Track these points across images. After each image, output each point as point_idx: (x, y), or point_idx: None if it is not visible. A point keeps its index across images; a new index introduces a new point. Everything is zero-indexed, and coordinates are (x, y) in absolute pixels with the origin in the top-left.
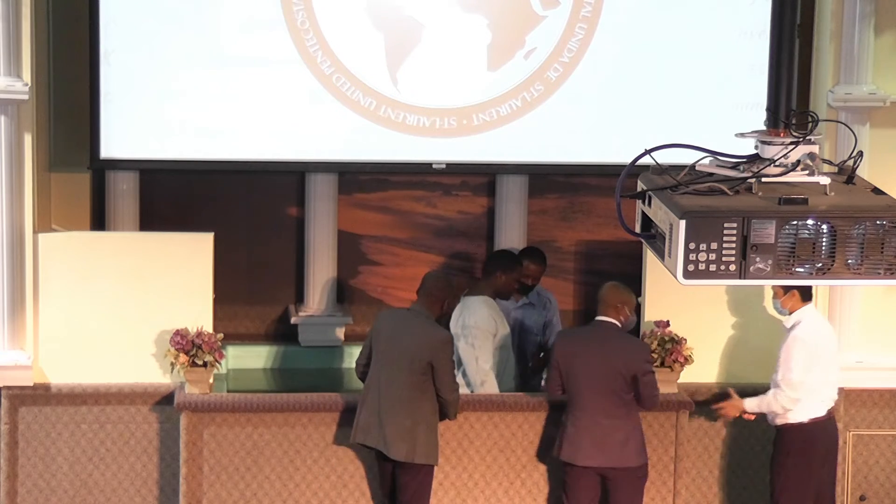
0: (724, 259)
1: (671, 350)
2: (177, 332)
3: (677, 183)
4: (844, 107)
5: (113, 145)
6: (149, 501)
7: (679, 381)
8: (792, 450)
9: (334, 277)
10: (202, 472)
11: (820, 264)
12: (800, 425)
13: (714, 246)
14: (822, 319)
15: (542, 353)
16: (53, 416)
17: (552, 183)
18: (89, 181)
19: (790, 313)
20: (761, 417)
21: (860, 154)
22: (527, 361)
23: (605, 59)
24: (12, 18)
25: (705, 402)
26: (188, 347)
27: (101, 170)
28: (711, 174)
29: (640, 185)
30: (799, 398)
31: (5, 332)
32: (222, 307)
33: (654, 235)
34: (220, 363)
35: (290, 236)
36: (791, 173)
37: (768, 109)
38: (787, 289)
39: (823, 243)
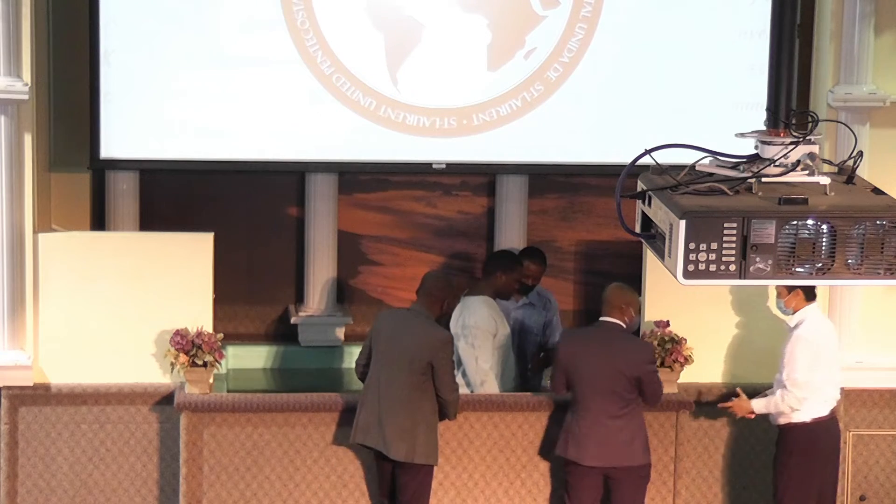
0: (724, 259)
1: (671, 350)
2: (177, 332)
3: (677, 183)
4: (844, 107)
5: (113, 145)
6: (149, 501)
7: (679, 381)
8: (795, 449)
9: (334, 277)
10: (202, 472)
11: (820, 264)
12: (803, 425)
13: (714, 246)
14: (824, 319)
15: (542, 353)
16: (53, 416)
17: (552, 183)
18: (89, 181)
19: (793, 313)
20: (762, 417)
21: (860, 154)
22: (527, 361)
23: (605, 59)
24: (12, 18)
25: (706, 402)
26: (188, 347)
27: (101, 170)
28: (711, 174)
29: (640, 185)
30: (806, 398)
31: (5, 332)
32: (222, 307)
33: (654, 235)
34: (220, 363)
35: (290, 236)
36: (791, 173)
37: (768, 109)
38: (790, 288)
39: (823, 243)
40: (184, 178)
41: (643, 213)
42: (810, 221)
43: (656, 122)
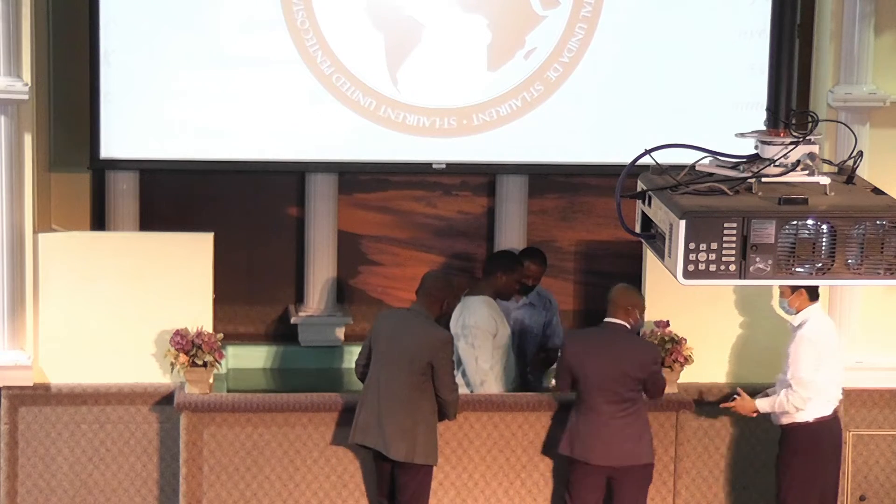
0: (724, 259)
1: (671, 350)
2: (177, 332)
3: (677, 183)
4: (844, 107)
5: (113, 145)
6: (149, 501)
7: (679, 381)
8: (799, 449)
9: (334, 277)
10: (202, 472)
11: (820, 264)
12: (806, 425)
13: (714, 246)
14: (827, 319)
15: (542, 353)
16: (53, 416)
17: (552, 183)
18: (89, 181)
19: (797, 312)
20: (762, 417)
21: (860, 154)
22: (527, 361)
23: (605, 59)
24: (12, 18)
25: (706, 402)
26: (188, 347)
27: (101, 170)
28: (711, 174)
29: (640, 185)
30: (810, 397)
31: (5, 332)
32: (222, 307)
33: (654, 235)
34: (220, 363)
35: (290, 236)
36: (791, 173)
37: (768, 109)
38: (794, 288)
39: (823, 243)
40: (184, 178)
41: (643, 213)
42: (810, 221)
43: (656, 122)
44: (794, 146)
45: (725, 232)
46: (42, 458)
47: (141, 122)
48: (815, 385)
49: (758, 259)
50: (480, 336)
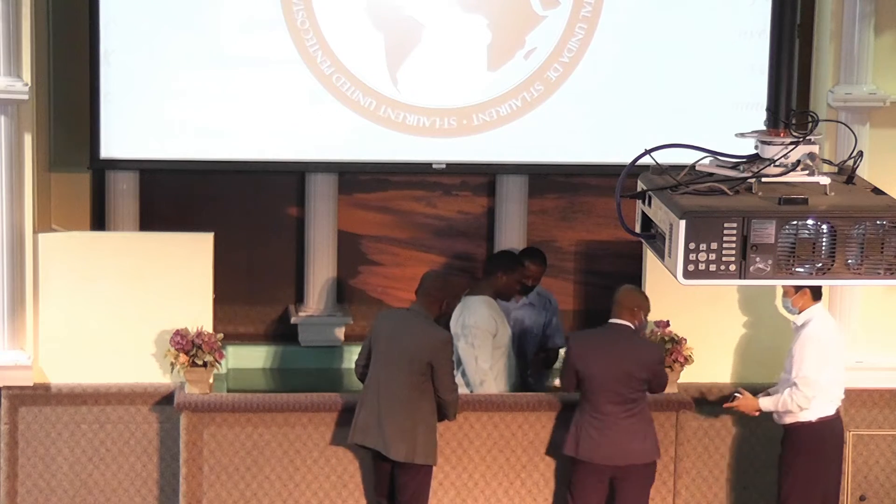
0: (724, 259)
1: (671, 350)
2: (177, 332)
3: (677, 183)
4: (844, 107)
5: (113, 145)
6: (149, 501)
7: (679, 381)
8: (802, 449)
9: (334, 277)
10: (202, 472)
11: (820, 264)
12: (809, 424)
13: (714, 246)
14: (831, 318)
15: (542, 354)
16: (53, 416)
17: (552, 183)
18: (89, 181)
19: (800, 312)
20: (763, 417)
21: (860, 154)
22: (527, 361)
23: (605, 59)
24: (12, 18)
25: (706, 402)
26: (188, 347)
27: (101, 170)
28: (711, 174)
29: (640, 185)
30: (815, 396)
31: (5, 332)
32: (222, 307)
33: (654, 235)
34: (220, 363)
35: (290, 236)
36: (791, 173)
37: (768, 109)
38: (798, 287)
39: (823, 243)
40: (184, 178)
41: (643, 213)
42: (810, 221)
43: (656, 122)
44: (794, 146)
45: (725, 232)
46: (42, 458)
47: (141, 122)
48: (819, 384)
49: (758, 259)
50: (480, 336)
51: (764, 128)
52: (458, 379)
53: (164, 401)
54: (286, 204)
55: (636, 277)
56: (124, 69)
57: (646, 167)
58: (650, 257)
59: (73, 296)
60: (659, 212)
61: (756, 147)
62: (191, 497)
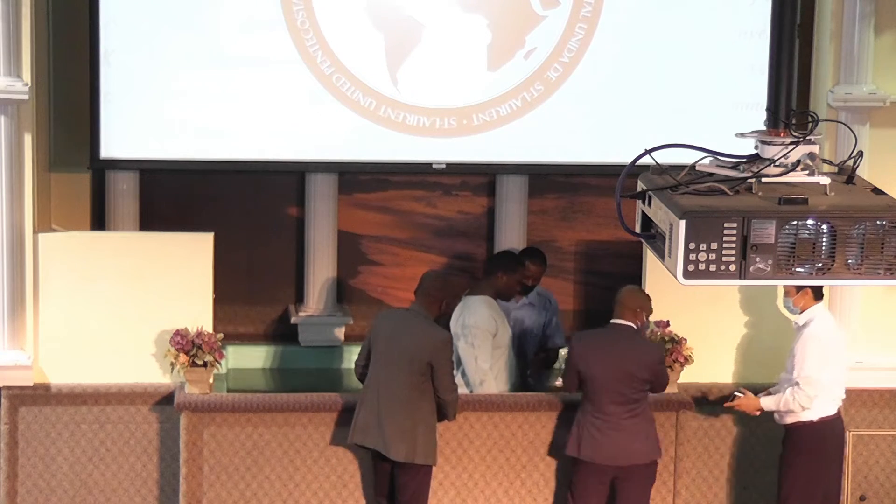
0: (724, 259)
1: (671, 350)
2: (177, 332)
3: (677, 183)
4: (844, 107)
5: (113, 145)
6: (149, 501)
7: (679, 381)
8: (803, 449)
9: (334, 277)
10: (202, 472)
11: (820, 264)
12: (810, 424)
13: (714, 246)
14: (832, 318)
15: (541, 354)
16: (53, 416)
17: (552, 183)
18: (89, 181)
19: (801, 312)
20: (763, 417)
21: (860, 154)
22: (527, 361)
23: (605, 59)
24: (12, 18)
25: (706, 402)
26: (188, 347)
27: (101, 170)
28: (711, 174)
29: (640, 185)
30: (817, 395)
31: (5, 332)
32: (222, 307)
33: (654, 235)
34: (220, 363)
35: (290, 236)
36: (791, 173)
37: (768, 109)
38: (799, 287)
39: (823, 243)
40: (184, 178)
41: (643, 213)
42: (810, 221)
43: (656, 122)
44: (794, 146)
45: (725, 232)
46: (42, 458)
47: (141, 122)
48: (821, 383)
49: (758, 259)
50: (480, 336)
51: (764, 128)
52: (458, 379)
53: (164, 401)
54: (286, 204)
55: (636, 277)
56: (124, 69)
57: (646, 167)
58: (650, 257)
59: (73, 296)
60: (659, 212)
61: (756, 147)
62: (191, 497)
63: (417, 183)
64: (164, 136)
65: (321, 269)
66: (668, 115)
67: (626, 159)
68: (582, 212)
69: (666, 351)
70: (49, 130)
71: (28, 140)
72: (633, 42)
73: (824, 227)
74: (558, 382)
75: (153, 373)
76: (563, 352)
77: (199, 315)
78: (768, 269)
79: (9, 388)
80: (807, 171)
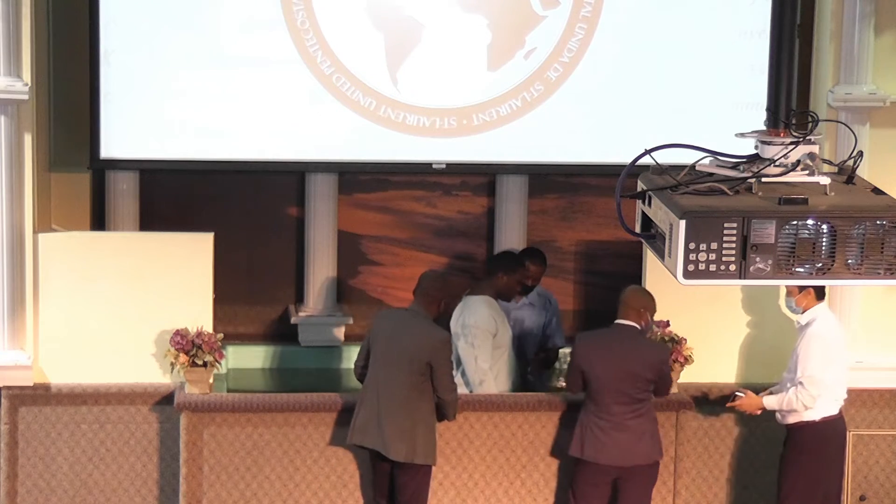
0: (724, 259)
1: (671, 350)
2: (177, 332)
3: (677, 183)
4: (844, 107)
5: (113, 145)
6: (149, 501)
7: (679, 381)
8: (805, 449)
9: (334, 277)
10: (202, 472)
11: (820, 264)
12: (813, 424)
13: (714, 246)
14: (834, 318)
15: (541, 354)
16: (53, 416)
17: (552, 183)
18: (89, 181)
19: (804, 311)
20: (763, 417)
21: (860, 154)
22: (527, 361)
23: (605, 59)
24: (12, 18)
25: (706, 402)
26: (188, 347)
27: (101, 170)
28: (711, 174)
29: (640, 185)
30: (820, 395)
31: (5, 332)
32: (222, 307)
33: (654, 235)
34: (220, 363)
35: (290, 236)
36: (791, 173)
37: (768, 109)
38: (802, 287)
39: (823, 243)
40: (184, 178)
41: (643, 213)
42: (810, 221)
43: (656, 122)
44: (794, 146)
45: (725, 232)
46: (42, 458)
47: (141, 122)
48: (824, 383)
49: (758, 259)
50: (480, 336)
51: (764, 128)
52: (458, 379)
53: (164, 401)
54: (286, 204)
55: (636, 277)
56: (124, 69)
57: (646, 167)
58: (650, 257)
59: (73, 296)
60: (659, 212)
61: (756, 147)
62: (191, 497)
63: (417, 183)
64: (164, 136)
65: (321, 269)
66: (668, 115)
67: (626, 159)
68: (582, 212)
69: None
70: (49, 130)
71: (28, 140)
72: (633, 42)
73: (824, 227)
74: (561, 383)
75: (153, 373)
76: (563, 352)
77: (199, 315)
78: (768, 269)
79: (9, 388)
80: (807, 171)
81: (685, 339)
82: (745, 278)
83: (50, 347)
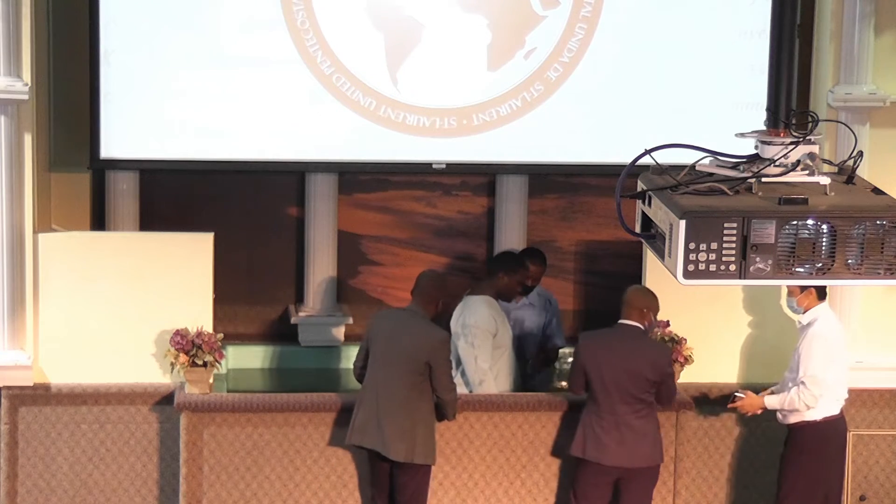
0: (724, 259)
1: (671, 350)
2: (177, 332)
3: (677, 183)
4: (844, 107)
5: (113, 145)
6: (149, 501)
7: (679, 381)
8: (805, 448)
9: (334, 277)
10: (202, 472)
11: (820, 264)
12: (814, 423)
13: (714, 246)
14: (835, 318)
15: (541, 354)
16: (53, 416)
17: (552, 183)
18: (89, 181)
19: (805, 311)
20: (763, 417)
21: (860, 154)
22: (527, 361)
23: (605, 59)
24: (12, 18)
25: (706, 402)
26: (188, 347)
27: (101, 170)
28: (711, 174)
29: (640, 185)
30: (822, 395)
31: (5, 332)
32: (222, 307)
33: (654, 235)
34: (220, 363)
35: (290, 236)
36: (791, 173)
37: (768, 109)
38: (803, 287)
39: (823, 243)
40: (184, 178)
41: (643, 213)
42: (810, 221)
43: (656, 122)
44: (794, 146)
45: (725, 232)
46: (42, 458)
47: (141, 122)
48: (826, 383)
49: (758, 259)
50: (480, 335)
51: (764, 128)
52: (458, 378)
53: (164, 401)
54: (286, 204)
55: (636, 277)
56: (124, 69)
57: (646, 167)
58: (650, 257)
59: (73, 296)
60: (659, 212)
61: (756, 147)
62: (191, 497)
63: (417, 183)
64: (164, 136)
65: (321, 269)
66: (668, 115)
67: (626, 159)
68: (582, 212)
69: None
70: (49, 130)
71: (28, 140)
72: (633, 42)
73: (824, 227)
74: (562, 383)
75: (153, 373)
76: (563, 352)
77: (199, 315)
78: (768, 269)
79: (9, 388)
80: (807, 171)
81: (685, 339)
82: (745, 278)
83: (50, 347)
